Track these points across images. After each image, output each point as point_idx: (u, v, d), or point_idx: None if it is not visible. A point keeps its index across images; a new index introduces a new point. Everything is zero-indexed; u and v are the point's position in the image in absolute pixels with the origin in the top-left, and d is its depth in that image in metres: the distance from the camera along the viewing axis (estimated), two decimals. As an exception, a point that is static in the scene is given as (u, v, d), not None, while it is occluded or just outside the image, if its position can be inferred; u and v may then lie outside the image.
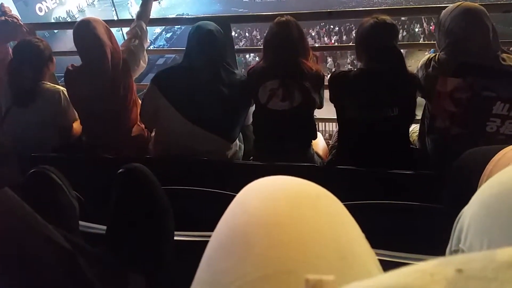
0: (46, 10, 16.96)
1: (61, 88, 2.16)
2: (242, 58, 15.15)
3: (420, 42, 10.75)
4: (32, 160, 1.81)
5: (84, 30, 1.98)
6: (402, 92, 1.72)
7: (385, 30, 1.69)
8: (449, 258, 0.24)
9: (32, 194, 0.95)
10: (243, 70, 2.27)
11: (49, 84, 2.17)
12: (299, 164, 1.73)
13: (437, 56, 1.76)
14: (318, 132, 2.12)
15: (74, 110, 2.20)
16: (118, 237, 0.93)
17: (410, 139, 1.99)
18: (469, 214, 0.54)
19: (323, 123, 5.11)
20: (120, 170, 0.94)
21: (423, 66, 1.79)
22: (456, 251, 0.57)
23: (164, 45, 18.02)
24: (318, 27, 18.01)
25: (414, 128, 2.21)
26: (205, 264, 0.41)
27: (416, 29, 16.86)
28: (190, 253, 1.06)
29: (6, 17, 2.37)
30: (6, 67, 2.15)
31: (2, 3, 2.43)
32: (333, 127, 5.13)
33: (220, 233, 0.43)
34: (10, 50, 2.33)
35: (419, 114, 1.93)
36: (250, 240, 0.39)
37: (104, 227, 1.02)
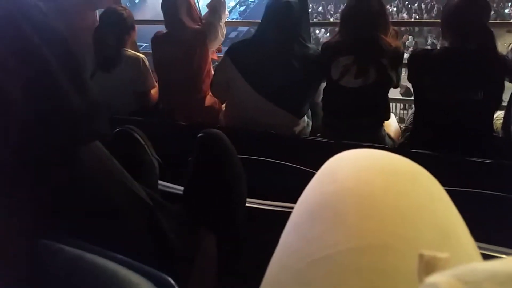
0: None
1: (141, 55, 2.25)
2: (313, 34, 14.77)
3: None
4: (113, 122, 1.94)
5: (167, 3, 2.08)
6: (489, 75, 1.59)
7: (477, 7, 1.56)
8: None
9: (117, 151, 1.02)
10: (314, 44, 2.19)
11: (130, 51, 2.27)
12: (369, 144, 1.68)
13: None
14: (391, 113, 2.04)
15: (153, 77, 2.29)
16: (194, 197, 0.97)
17: (494, 126, 1.85)
18: None
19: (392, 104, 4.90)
20: (200, 134, 0.98)
21: None
22: None
23: (237, 18, 18.10)
24: (396, 1, 17.02)
25: (499, 115, 2.05)
26: (292, 229, 0.41)
27: (506, 10, 15.37)
28: (258, 220, 1.09)
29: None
30: (93, 33, 2.28)
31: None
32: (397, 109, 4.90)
33: (307, 201, 0.42)
34: (97, 17, 2.47)
35: (505, 100, 1.78)
36: (341, 210, 0.38)
37: (180, 187, 1.08)
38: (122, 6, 2.36)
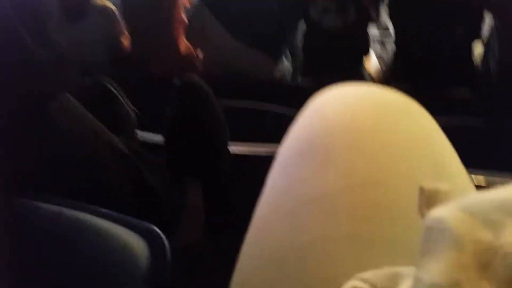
0: None
1: (110, 5, 2.14)
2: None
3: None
4: (86, 75, 1.86)
5: None
6: (468, 7, 1.56)
7: None
8: None
9: (91, 104, 0.98)
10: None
11: (98, 1, 2.14)
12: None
13: None
14: (372, 52, 2.01)
15: (124, 28, 2.19)
16: (176, 146, 0.95)
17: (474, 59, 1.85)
18: None
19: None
20: (178, 83, 0.94)
21: None
22: None
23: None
24: None
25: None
26: (279, 171, 0.39)
27: None
28: (244, 167, 1.09)
29: None
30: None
31: None
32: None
33: (295, 141, 0.40)
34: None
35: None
36: (331, 148, 0.36)
37: (161, 137, 1.05)
38: None
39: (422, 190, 0.25)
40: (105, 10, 2.09)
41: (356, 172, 0.34)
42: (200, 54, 2.15)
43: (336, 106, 0.40)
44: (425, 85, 1.56)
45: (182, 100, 0.94)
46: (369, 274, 0.25)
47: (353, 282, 0.24)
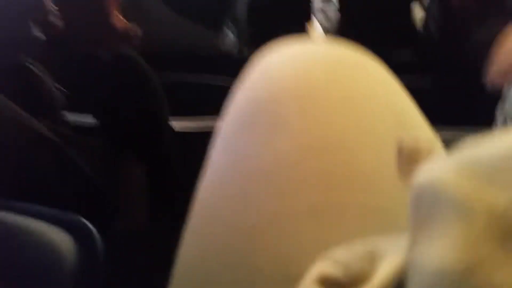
0: None
1: None
2: None
3: None
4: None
5: None
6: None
7: None
8: None
9: (10, 87, 0.86)
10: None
11: None
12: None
13: None
14: (315, 21, 1.99)
15: (50, 3, 2.01)
16: (112, 126, 0.86)
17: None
18: None
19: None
20: (111, 58, 0.84)
21: None
22: None
23: None
24: None
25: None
26: (221, 147, 0.33)
27: None
28: (188, 145, 1.02)
29: None
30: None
31: None
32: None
33: (237, 111, 0.34)
34: None
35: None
36: (281, 114, 0.30)
37: (94, 119, 0.95)
38: None
39: (401, 149, 0.20)
40: None
41: (312, 137, 0.29)
42: (136, 29, 2.03)
43: (282, 66, 0.34)
44: (369, 51, 1.56)
45: (114, 75, 0.84)
46: (339, 253, 0.20)
47: (320, 264, 0.19)
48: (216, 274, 0.26)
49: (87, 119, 1.03)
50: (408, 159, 0.19)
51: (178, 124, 0.95)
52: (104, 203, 0.71)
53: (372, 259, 0.19)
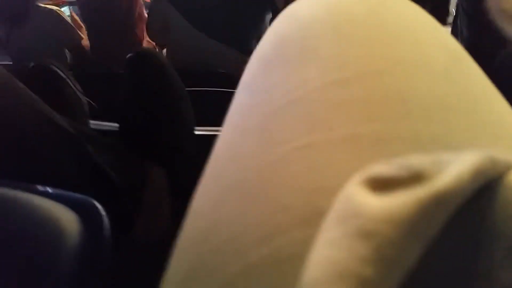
0: None
1: (54, 7, 2.07)
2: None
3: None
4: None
5: None
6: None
7: None
8: None
9: (35, 86, 0.86)
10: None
11: (42, 5, 2.04)
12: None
13: None
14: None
15: (75, 28, 2.10)
16: (132, 129, 0.83)
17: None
18: None
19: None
20: (130, 55, 0.83)
21: None
22: None
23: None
24: None
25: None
26: (245, 88, 0.29)
27: None
28: (211, 148, 0.98)
29: None
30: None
31: None
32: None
33: (262, 53, 0.29)
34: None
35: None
36: (311, 44, 0.26)
37: (115, 125, 0.93)
38: None
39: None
40: (49, 14, 1.99)
41: (349, 62, 0.24)
42: (163, 50, 2.06)
43: (313, 4, 0.30)
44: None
45: (135, 73, 0.83)
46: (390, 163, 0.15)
47: (367, 168, 0.14)
48: (236, 215, 0.21)
49: (109, 125, 1.02)
50: None
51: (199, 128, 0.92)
52: (125, 203, 0.68)
53: (436, 162, 0.14)
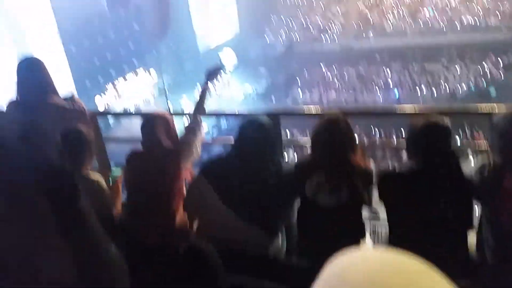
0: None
1: (97, 178, 2.15)
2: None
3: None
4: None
5: (146, 124, 2.15)
6: (456, 195, 1.64)
7: (440, 131, 1.66)
8: None
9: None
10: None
11: (87, 175, 2.14)
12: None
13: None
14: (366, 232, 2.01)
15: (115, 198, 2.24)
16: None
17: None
18: None
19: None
20: (184, 246, 0.90)
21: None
22: None
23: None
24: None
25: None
26: None
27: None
28: None
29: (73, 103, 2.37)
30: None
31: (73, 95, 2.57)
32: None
33: None
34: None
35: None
36: None
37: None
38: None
39: None
40: (91, 183, 2.10)
41: None
42: (195, 225, 2.13)
43: (357, 271, 0.38)
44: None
45: (185, 270, 0.88)
46: None
47: None
48: None
49: None
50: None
51: None
52: None
53: None
